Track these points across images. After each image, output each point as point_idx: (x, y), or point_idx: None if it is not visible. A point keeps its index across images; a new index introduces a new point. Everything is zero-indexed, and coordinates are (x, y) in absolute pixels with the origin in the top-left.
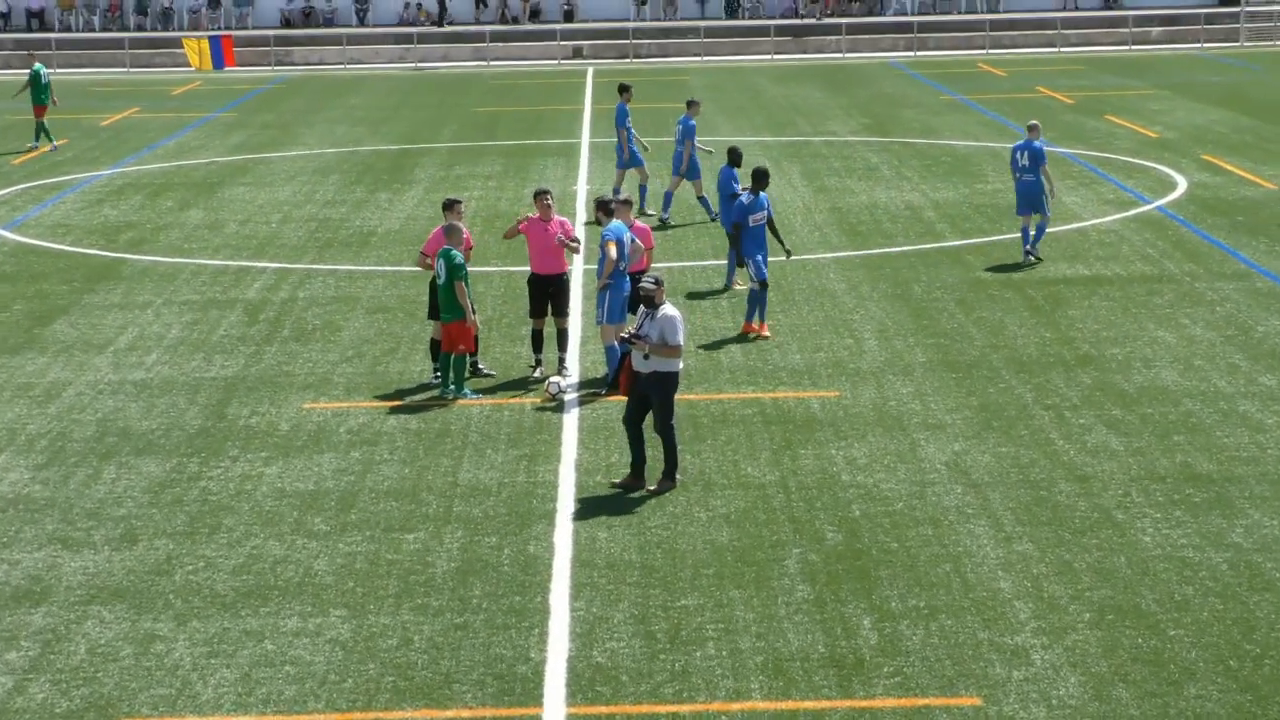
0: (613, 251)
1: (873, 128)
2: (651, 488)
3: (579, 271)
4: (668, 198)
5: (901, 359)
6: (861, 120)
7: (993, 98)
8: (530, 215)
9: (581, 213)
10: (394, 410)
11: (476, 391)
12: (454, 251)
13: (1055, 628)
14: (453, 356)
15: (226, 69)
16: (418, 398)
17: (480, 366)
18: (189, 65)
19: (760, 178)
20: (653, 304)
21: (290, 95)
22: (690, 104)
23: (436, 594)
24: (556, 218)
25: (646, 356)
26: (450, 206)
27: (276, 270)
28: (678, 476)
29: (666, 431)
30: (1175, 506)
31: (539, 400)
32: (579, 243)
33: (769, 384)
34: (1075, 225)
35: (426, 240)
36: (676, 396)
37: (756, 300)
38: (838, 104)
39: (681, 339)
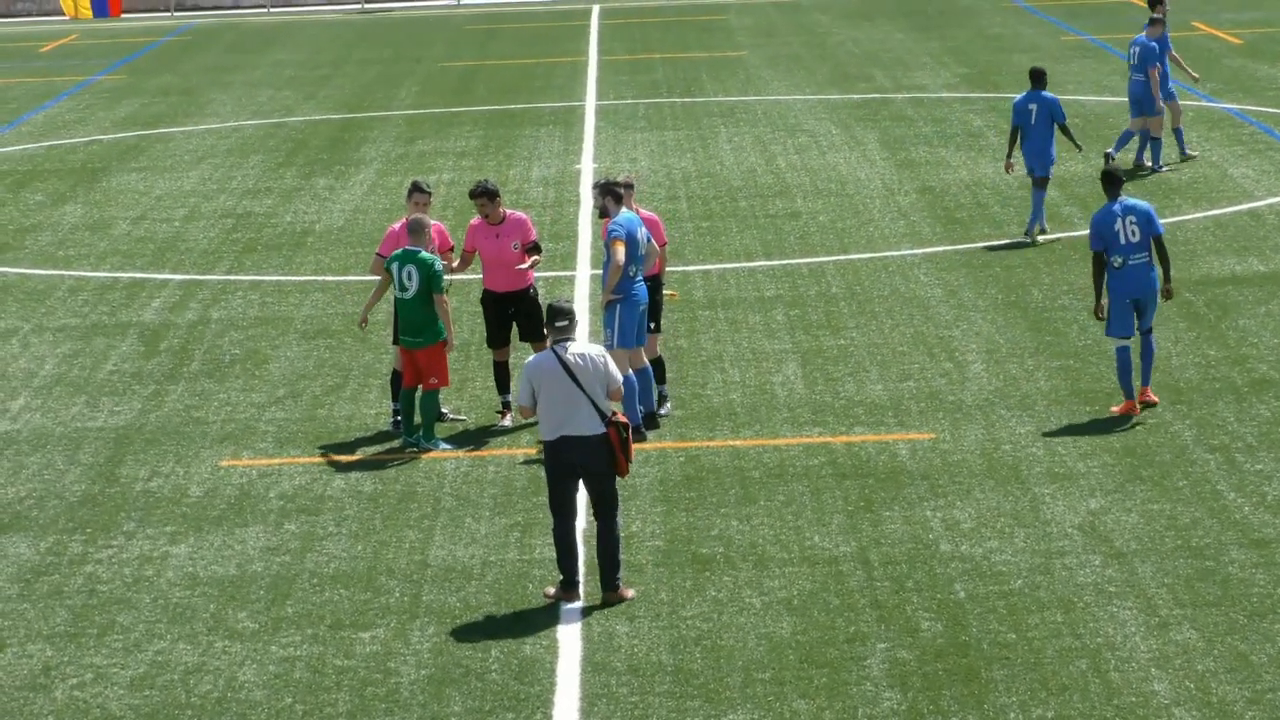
0: (619, 254)
1: (974, 80)
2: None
3: (584, 278)
4: (1126, 136)
5: (1017, 387)
6: (959, 70)
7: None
8: (472, 220)
9: (586, 199)
10: (342, 468)
11: (452, 441)
12: (425, 254)
13: None
14: (419, 393)
15: (112, 17)
16: (373, 450)
17: (445, 411)
18: (62, 13)
19: (1117, 184)
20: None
21: (197, 50)
22: None
23: (402, 711)
24: (511, 214)
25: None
26: (412, 193)
27: (182, 283)
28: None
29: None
30: None
31: (533, 451)
32: (540, 255)
33: (841, 424)
34: (1246, 205)
35: (382, 239)
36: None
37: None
38: (927, 49)
39: (522, 398)
